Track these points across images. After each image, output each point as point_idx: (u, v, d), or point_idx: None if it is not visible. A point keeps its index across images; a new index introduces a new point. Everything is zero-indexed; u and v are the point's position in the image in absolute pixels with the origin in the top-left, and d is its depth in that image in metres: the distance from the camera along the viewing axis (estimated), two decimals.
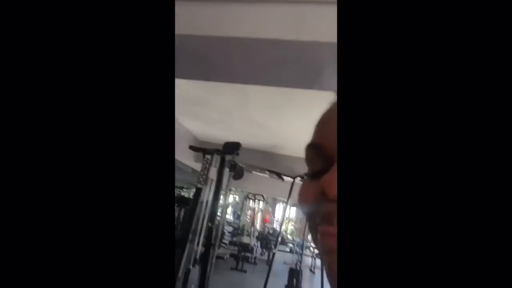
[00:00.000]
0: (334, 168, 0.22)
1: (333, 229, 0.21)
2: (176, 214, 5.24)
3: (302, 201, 0.26)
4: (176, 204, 5.36)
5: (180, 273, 2.27)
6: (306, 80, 1.39)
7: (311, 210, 0.25)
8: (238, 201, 7.35)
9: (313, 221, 0.25)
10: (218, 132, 3.93)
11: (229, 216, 7.21)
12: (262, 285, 3.04)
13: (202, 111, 3.34)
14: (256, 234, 6.32)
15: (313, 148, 0.26)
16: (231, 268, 5.07)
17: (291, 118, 2.84)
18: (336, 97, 0.27)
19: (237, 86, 2.31)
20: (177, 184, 7.09)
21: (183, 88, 2.82)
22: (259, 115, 3.01)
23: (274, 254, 3.67)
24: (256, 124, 3.26)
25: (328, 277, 0.23)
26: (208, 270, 2.46)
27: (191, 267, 2.44)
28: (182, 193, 6.56)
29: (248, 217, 6.89)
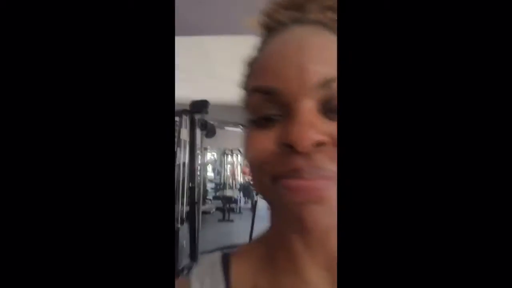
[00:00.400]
0: (298, 118, 0.21)
1: (303, 182, 0.21)
2: None
3: (257, 152, 0.23)
4: None
5: None
6: None
7: (269, 161, 0.23)
8: (217, 158, 7.46)
9: (271, 173, 0.23)
10: (184, 92, 3.77)
11: (210, 174, 7.37)
12: (249, 230, 3.28)
13: None
14: (238, 186, 6.58)
15: (264, 93, 0.23)
16: (219, 220, 5.36)
17: None
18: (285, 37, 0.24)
19: (194, 39, 2.16)
20: None
21: None
22: (222, 68, 2.90)
23: (256, 201, 3.90)
24: (221, 78, 3.15)
25: (302, 229, 0.23)
26: (196, 225, 2.59)
27: (179, 226, 2.55)
28: None
29: (228, 171, 7.07)
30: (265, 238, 0.31)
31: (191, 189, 2.58)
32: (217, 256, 0.31)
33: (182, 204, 2.66)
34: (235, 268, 0.30)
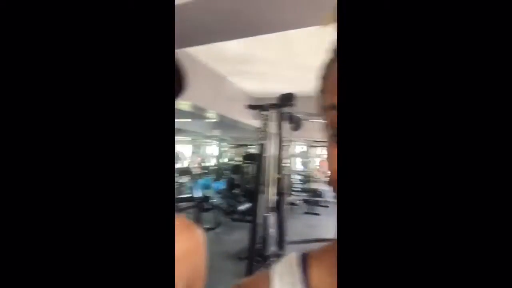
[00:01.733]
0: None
1: None
2: (250, 169, 5.63)
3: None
4: (247, 161, 5.73)
5: (259, 220, 2.55)
6: None
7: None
8: (304, 150, 7.46)
9: None
10: (271, 85, 3.90)
11: (298, 166, 7.43)
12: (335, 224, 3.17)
13: (251, 68, 3.32)
14: (326, 179, 6.41)
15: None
16: (305, 212, 5.37)
17: None
18: None
19: (279, 35, 2.20)
20: (243, 142, 7.49)
21: (228, 49, 2.81)
22: (307, 59, 2.86)
23: None
24: (306, 69, 3.11)
25: None
26: (283, 215, 2.69)
27: (267, 214, 2.69)
28: (250, 150, 6.95)
29: (315, 164, 6.98)
30: None
31: (278, 180, 2.68)
32: (294, 256, 0.33)
33: (270, 194, 2.80)
34: (314, 269, 0.31)
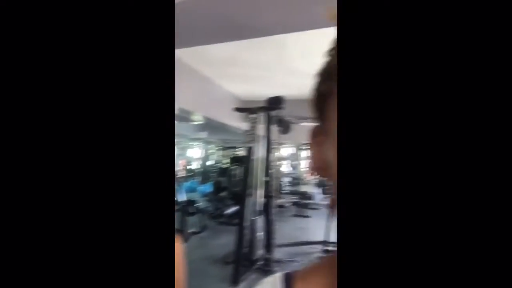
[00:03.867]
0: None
1: None
2: (237, 172, 5.60)
3: None
4: (235, 164, 5.70)
5: (246, 223, 2.52)
6: None
7: None
8: (294, 152, 7.50)
9: None
10: (261, 89, 3.89)
11: (287, 168, 7.45)
12: (325, 226, 3.19)
13: (241, 71, 3.31)
14: (316, 181, 6.44)
15: None
16: (294, 215, 5.38)
17: None
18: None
19: (272, 38, 2.19)
20: (231, 144, 7.46)
21: (218, 51, 2.78)
22: (299, 64, 2.87)
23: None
24: (297, 73, 3.12)
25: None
26: (271, 218, 2.67)
27: (256, 217, 2.67)
28: (237, 153, 6.92)
29: (304, 166, 7.02)
30: (331, 259, 0.30)
31: (266, 183, 2.66)
32: (278, 277, 0.31)
33: (258, 197, 2.78)
34: None
